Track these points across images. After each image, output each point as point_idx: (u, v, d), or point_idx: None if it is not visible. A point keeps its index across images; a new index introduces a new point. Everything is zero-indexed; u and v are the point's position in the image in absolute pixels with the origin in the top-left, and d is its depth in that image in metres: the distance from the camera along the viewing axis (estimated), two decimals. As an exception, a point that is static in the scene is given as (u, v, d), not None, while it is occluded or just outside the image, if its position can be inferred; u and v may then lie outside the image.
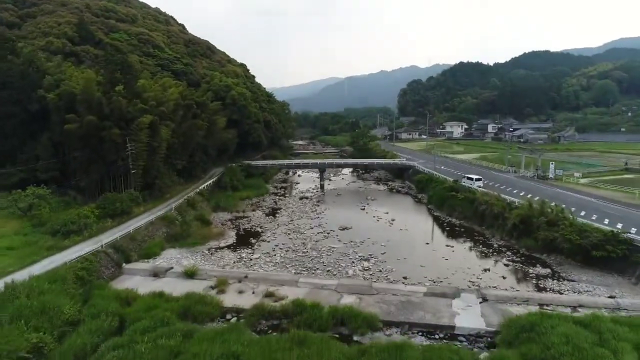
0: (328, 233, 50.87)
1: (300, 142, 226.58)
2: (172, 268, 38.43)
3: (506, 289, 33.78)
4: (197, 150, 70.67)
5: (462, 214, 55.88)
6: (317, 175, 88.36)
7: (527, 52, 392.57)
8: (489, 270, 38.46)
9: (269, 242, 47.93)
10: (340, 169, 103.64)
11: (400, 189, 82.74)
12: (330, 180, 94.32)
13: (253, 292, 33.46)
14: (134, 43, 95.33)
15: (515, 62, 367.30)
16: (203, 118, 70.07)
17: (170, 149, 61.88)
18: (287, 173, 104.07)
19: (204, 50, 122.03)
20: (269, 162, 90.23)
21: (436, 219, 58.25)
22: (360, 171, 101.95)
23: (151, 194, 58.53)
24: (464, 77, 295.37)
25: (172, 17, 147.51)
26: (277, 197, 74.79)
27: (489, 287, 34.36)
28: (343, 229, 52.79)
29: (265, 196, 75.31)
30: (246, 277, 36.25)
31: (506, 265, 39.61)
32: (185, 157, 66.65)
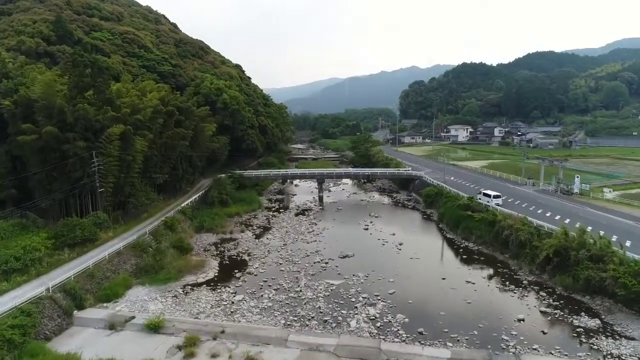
0: (326, 263, 43.68)
1: (300, 146, 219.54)
2: (133, 318, 31.25)
3: (551, 353, 26.62)
4: (180, 162, 63.45)
5: (480, 238, 48.63)
6: (316, 185, 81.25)
7: (530, 52, 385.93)
8: (523, 320, 31.23)
9: (256, 275, 40.75)
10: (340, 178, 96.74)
11: (406, 202, 75.51)
12: (329, 191, 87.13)
13: (230, 358, 26.33)
14: (118, 43, 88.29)
15: (519, 62, 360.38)
16: (187, 126, 62.87)
17: (149, 162, 54.71)
18: (283, 183, 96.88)
19: (196, 50, 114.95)
20: (263, 172, 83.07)
21: (450, 243, 51.06)
22: (362, 180, 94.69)
23: (125, 214, 51.44)
24: (467, 78, 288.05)
25: (163, 15, 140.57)
26: (271, 213, 67.59)
27: (529, 349, 27.19)
28: (344, 257, 45.63)
29: (258, 211, 68.12)
30: (223, 332, 29.13)
31: (544, 313, 32.36)
32: (166, 170, 59.48)
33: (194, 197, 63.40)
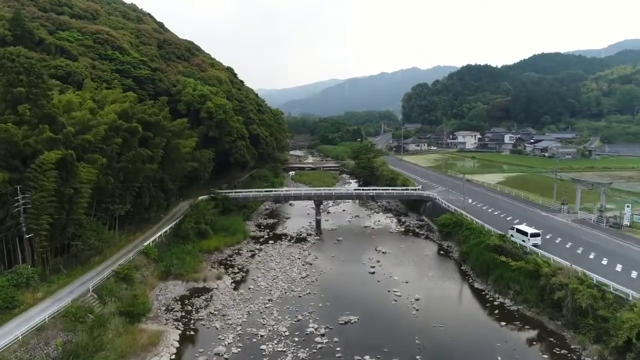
0: (322, 335, 33.02)
1: (298, 153, 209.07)
2: None
3: None
4: (148, 188, 52.73)
5: (520, 294, 37.95)
6: (313, 204, 70.68)
7: (536, 53, 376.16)
8: None
9: (227, 358, 30.12)
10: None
11: (417, 230, 64.86)
12: (328, 212, 76.51)
13: None
14: (88, 44, 77.68)
15: (524, 64, 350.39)
16: (157, 144, 52.24)
17: (103, 192, 44.12)
18: (276, 202, 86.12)
19: (182, 52, 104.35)
20: (252, 193, 72.35)
21: (479, 296, 40.49)
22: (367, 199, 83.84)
23: (69, 260, 40.87)
24: (472, 80, 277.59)
25: (149, 14, 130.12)
26: (258, 246, 56.97)
27: None
28: (345, 323, 35.04)
29: (243, 243, 57.54)
30: None
31: None
32: (128, 199, 48.83)
33: (165, 229, 52.74)
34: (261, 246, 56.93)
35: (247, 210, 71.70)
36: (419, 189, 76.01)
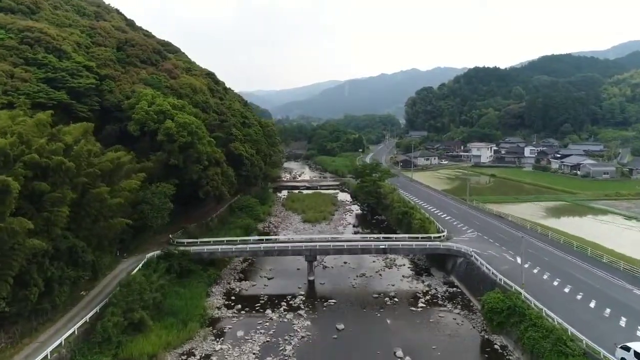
0: None
1: (293, 165, 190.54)
2: None
3: None
4: (42, 269, 34.00)
5: None
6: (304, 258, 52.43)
7: (545, 54, 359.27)
8: None
9: None
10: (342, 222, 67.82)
11: (447, 302, 46.34)
12: (325, 266, 58.02)
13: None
14: (11, 44, 59.40)
15: (534, 66, 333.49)
16: (55, 199, 33.71)
17: None
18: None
19: (149, 54, 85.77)
20: (220, 247, 53.36)
21: None
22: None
23: None
24: (480, 84, 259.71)
25: (116, 10, 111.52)
26: (219, 344, 38.41)
27: None
28: None
29: (197, 339, 38.98)
30: None
31: None
32: (2, 292, 30.28)
33: (77, 325, 34.30)
34: (222, 343, 38.38)
35: (213, 269, 52.97)
36: (443, 235, 57.66)
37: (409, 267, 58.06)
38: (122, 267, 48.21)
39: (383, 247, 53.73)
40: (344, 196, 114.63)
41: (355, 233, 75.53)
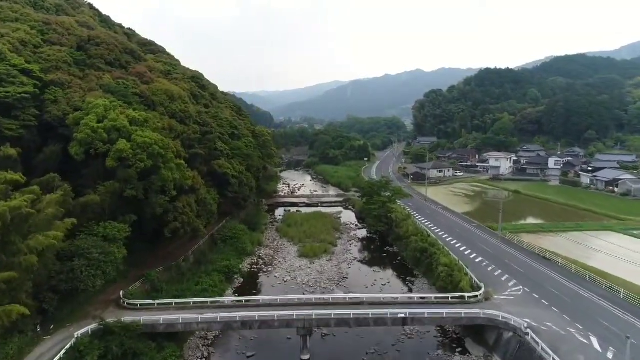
0: None
1: (294, 174, 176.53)
2: None
3: None
4: None
5: None
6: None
7: (559, 55, 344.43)
8: None
9: None
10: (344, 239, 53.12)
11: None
12: (324, 335, 43.99)
13: None
14: None
15: (547, 67, 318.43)
16: None
17: None
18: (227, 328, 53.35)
19: (117, 55, 72.26)
20: (182, 317, 39.15)
21: None
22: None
23: None
24: (492, 86, 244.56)
25: (89, 4, 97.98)
26: None
27: None
28: None
29: None
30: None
31: None
32: None
33: None
34: None
35: (172, 347, 38.74)
36: (480, 294, 43.54)
37: (435, 337, 43.91)
38: (41, 350, 34.54)
39: (402, 316, 39.60)
40: (348, 215, 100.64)
41: (364, 273, 61.58)
